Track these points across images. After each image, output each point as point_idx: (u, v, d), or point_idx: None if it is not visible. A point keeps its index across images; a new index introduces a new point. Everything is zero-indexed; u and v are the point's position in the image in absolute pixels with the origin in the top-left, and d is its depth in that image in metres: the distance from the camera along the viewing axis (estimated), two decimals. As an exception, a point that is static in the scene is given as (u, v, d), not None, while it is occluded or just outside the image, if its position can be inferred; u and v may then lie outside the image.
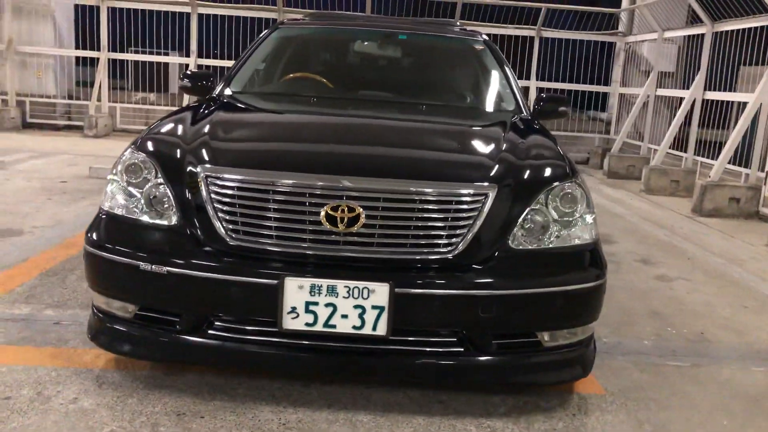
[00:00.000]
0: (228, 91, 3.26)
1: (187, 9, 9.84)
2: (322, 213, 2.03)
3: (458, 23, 4.27)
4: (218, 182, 2.10)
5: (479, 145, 2.63)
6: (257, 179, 2.08)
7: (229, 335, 2.09)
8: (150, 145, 2.31)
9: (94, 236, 2.18)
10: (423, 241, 2.06)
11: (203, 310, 2.09)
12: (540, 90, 9.79)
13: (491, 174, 2.21)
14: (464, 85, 3.66)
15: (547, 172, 2.33)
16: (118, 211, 2.21)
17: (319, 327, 2.00)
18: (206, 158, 2.18)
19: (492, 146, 2.48)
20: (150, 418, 2.07)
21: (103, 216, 2.23)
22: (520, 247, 2.15)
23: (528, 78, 9.88)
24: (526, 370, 2.20)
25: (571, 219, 2.26)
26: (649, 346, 2.94)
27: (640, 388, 2.51)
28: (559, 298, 2.13)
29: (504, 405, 2.29)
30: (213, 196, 2.09)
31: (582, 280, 2.19)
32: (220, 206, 2.08)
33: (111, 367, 2.37)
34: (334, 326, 2.01)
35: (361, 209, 2.03)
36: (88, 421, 2.03)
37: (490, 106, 3.45)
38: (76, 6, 10.22)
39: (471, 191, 2.12)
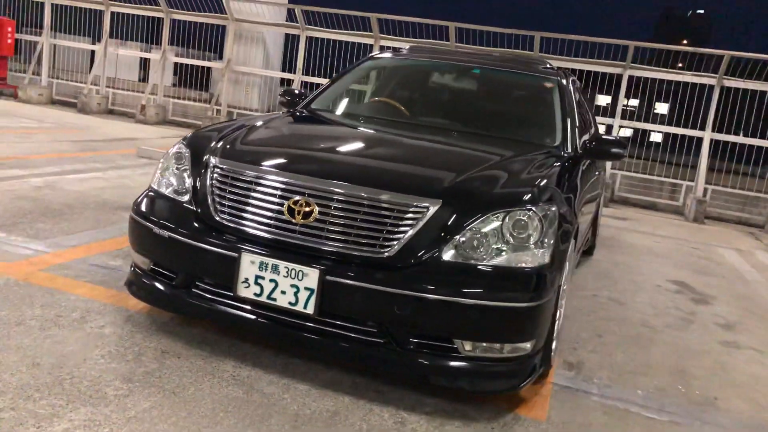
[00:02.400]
0: (308, 107, 3.81)
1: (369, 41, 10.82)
2: (285, 205, 2.44)
3: (546, 61, 4.38)
4: (217, 170, 2.62)
5: (454, 166, 2.83)
6: (241, 170, 2.56)
7: (205, 295, 2.58)
8: (192, 140, 2.90)
9: (135, 206, 2.81)
10: (362, 240, 2.36)
11: (189, 271, 2.61)
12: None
13: (438, 190, 2.44)
14: (515, 118, 3.82)
15: (502, 198, 2.49)
16: (157, 187, 2.82)
17: (263, 298, 2.41)
18: (217, 151, 2.71)
19: (467, 169, 2.69)
20: (141, 349, 2.62)
21: (148, 191, 2.87)
22: (450, 259, 2.34)
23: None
24: (442, 373, 2.37)
25: (516, 243, 2.40)
26: (638, 396, 2.85)
27: (587, 427, 2.50)
28: (476, 311, 2.28)
29: (432, 405, 2.47)
30: (212, 181, 2.61)
31: (509, 300, 2.31)
32: (215, 190, 2.60)
33: (144, 312, 2.98)
34: (275, 299, 2.39)
35: (316, 206, 2.41)
36: (98, 341, 2.63)
37: (529, 138, 3.57)
38: (286, 35, 11.76)
39: (413, 203, 2.37)
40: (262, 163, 2.60)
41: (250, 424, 2.18)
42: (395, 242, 2.34)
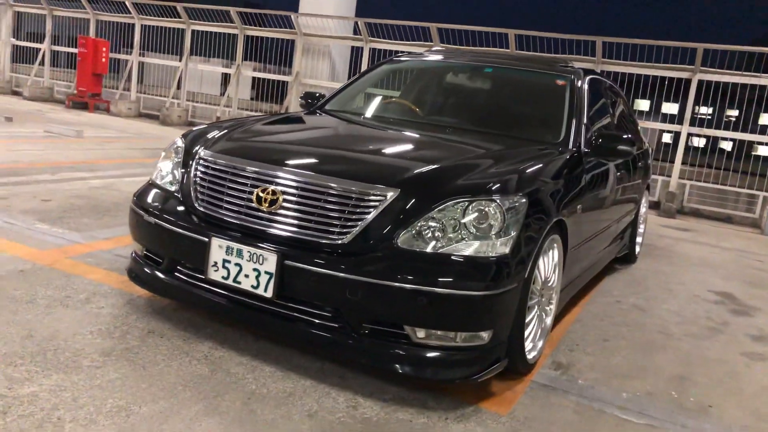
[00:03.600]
0: (322, 108, 3.95)
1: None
2: (255, 193, 2.56)
3: (568, 62, 4.30)
4: (201, 161, 2.78)
5: (426, 158, 2.86)
6: (219, 161, 2.70)
7: (184, 278, 2.73)
8: (189, 135, 3.08)
9: (135, 196, 3.01)
10: (321, 227, 2.44)
11: (171, 256, 2.77)
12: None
13: (397, 179, 2.48)
14: (519, 115, 3.78)
15: (464, 187, 2.49)
16: (154, 178, 3.02)
17: (230, 281, 2.53)
18: (204, 144, 2.87)
19: (438, 160, 2.71)
20: (129, 328, 2.80)
21: (148, 182, 3.07)
22: (404, 246, 2.37)
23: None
24: (394, 359, 2.38)
25: (476, 232, 2.40)
26: (621, 398, 2.74)
27: (549, 424, 2.44)
28: (426, 298, 2.29)
29: (392, 393, 2.50)
30: (195, 171, 2.78)
31: (462, 288, 2.31)
32: (197, 179, 2.75)
33: (145, 297, 3.17)
34: (239, 282, 2.51)
35: (281, 194, 2.51)
36: (93, 320, 2.84)
37: (531, 134, 3.52)
38: (352, 48, 12.06)
39: (369, 191, 2.43)
40: (238, 155, 2.73)
41: (204, 398, 2.29)
42: (351, 229, 2.40)
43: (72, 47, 14.49)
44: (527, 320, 2.71)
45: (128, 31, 14.26)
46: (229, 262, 2.52)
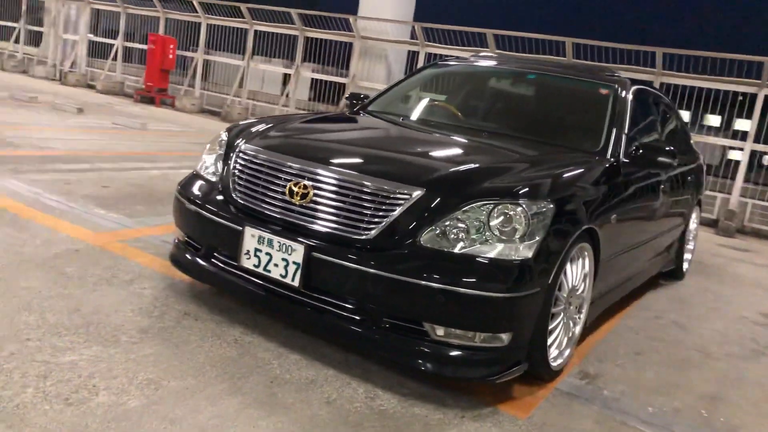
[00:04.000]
0: (365, 108, 4.04)
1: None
2: (288, 186, 2.66)
3: (615, 72, 4.24)
4: (240, 154, 2.90)
5: (456, 160, 2.92)
6: (257, 154, 2.81)
7: (220, 264, 2.85)
8: (233, 129, 3.21)
9: (179, 185, 3.16)
10: (349, 222, 2.51)
11: (209, 242, 2.89)
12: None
13: (423, 179, 2.52)
14: (559, 122, 3.77)
15: (490, 190, 2.51)
16: (198, 169, 3.16)
17: (261, 269, 2.63)
18: (245, 138, 2.99)
19: (467, 163, 2.75)
20: (167, 309, 2.94)
21: (192, 172, 3.21)
22: (427, 244, 2.41)
23: None
24: (412, 355, 2.42)
25: (500, 235, 2.42)
26: (646, 413, 2.70)
27: (566, 431, 2.43)
28: (445, 296, 2.32)
29: (412, 389, 2.54)
30: (235, 163, 2.89)
31: (482, 288, 2.33)
32: (236, 171, 2.87)
33: (186, 281, 3.31)
34: (269, 271, 2.60)
35: (312, 188, 2.59)
36: (135, 299, 2.99)
37: (569, 142, 3.50)
38: (408, 52, 12.15)
39: (396, 189, 2.48)
40: (275, 149, 2.83)
41: (229, 379, 2.39)
42: (377, 225, 2.46)
43: (143, 44, 15.09)
44: (552, 327, 2.71)
45: (195, 29, 14.76)
46: (260, 251, 2.62)
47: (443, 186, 2.53)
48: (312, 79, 14.11)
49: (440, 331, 2.40)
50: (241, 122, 3.32)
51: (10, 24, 18.46)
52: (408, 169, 2.71)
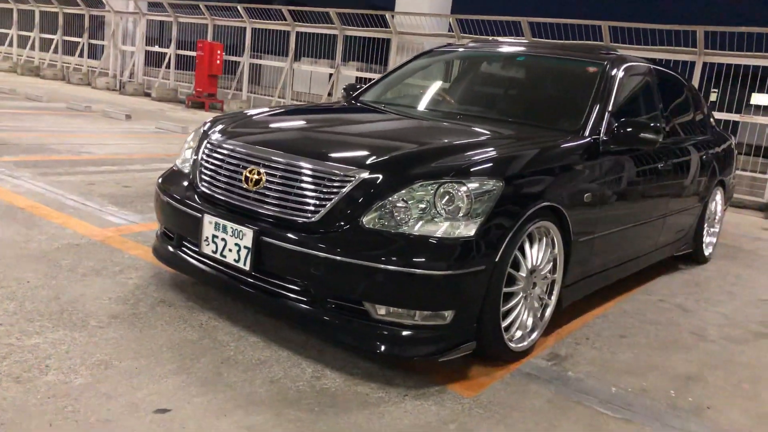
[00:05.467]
0: (357, 98, 4.09)
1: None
2: (243, 174, 2.74)
3: (613, 50, 4.10)
4: (208, 145, 3.00)
5: (407, 142, 2.93)
6: (220, 145, 2.91)
7: (188, 252, 2.96)
8: (212, 120, 3.31)
9: (159, 178, 3.30)
10: (295, 205, 2.57)
11: (178, 231, 3.01)
12: None
13: (367, 161, 2.54)
14: (541, 102, 3.70)
15: (434, 170, 2.51)
16: (176, 161, 3.29)
17: (218, 255, 2.72)
18: (215, 130, 3.09)
19: (420, 146, 2.75)
20: (145, 297, 3.07)
21: (171, 166, 3.35)
22: (368, 225, 2.44)
23: None
24: (354, 334, 2.46)
25: (444, 213, 2.42)
26: (608, 393, 2.63)
27: (512, 410, 2.41)
28: (381, 275, 2.34)
29: (362, 369, 2.57)
30: (202, 154, 3.00)
31: (420, 266, 2.34)
32: (203, 161, 2.98)
33: (171, 271, 3.45)
34: (225, 256, 2.69)
35: (265, 174, 2.67)
36: (116, 288, 3.14)
37: (547, 122, 3.44)
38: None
39: (339, 172, 2.52)
40: (235, 138, 2.92)
41: (180, 359, 2.50)
42: (321, 208, 2.50)
43: (195, 51, 15.62)
44: (509, 307, 2.68)
45: (241, 34, 15.17)
46: (217, 237, 2.71)
47: (387, 167, 2.55)
48: (356, 77, 14.24)
49: (381, 311, 2.42)
50: (218, 115, 3.43)
51: (75, 39, 19.51)
52: (355, 152, 2.74)
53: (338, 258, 2.41)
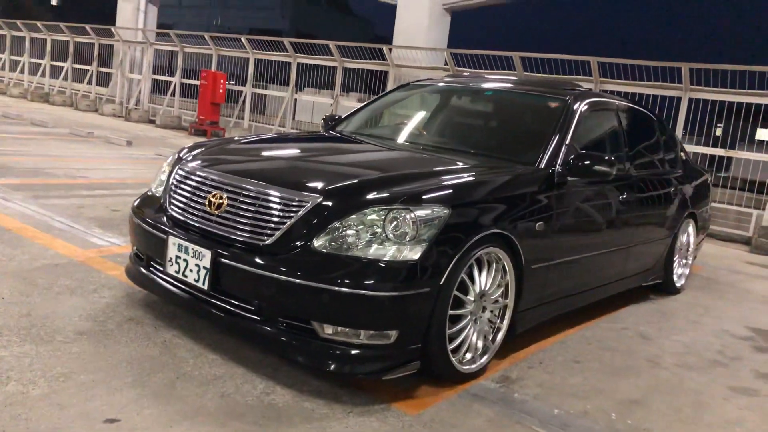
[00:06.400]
0: (333, 129, 4.28)
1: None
2: (207, 198, 2.89)
3: (578, 85, 4.27)
4: (179, 170, 3.16)
5: (363, 171, 3.11)
6: (192, 171, 3.07)
7: (155, 273, 3.10)
8: (185, 150, 3.49)
9: (133, 202, 3.45)
10: (253, 229, 2.71)
11: (146, 252, 3.16)
12: None
13: (320, 187, 2.70)
14: (505, 136, 3.85)
15: (383, 197, 2.66)
16: (151, 186, 3.45)
17: (180, 275, 2.86)
18: (187, 158, 3.25)
19: (374, 174, 2.92)
20: (114, 315, 3.20)
21: (147, 191, 3.51)
22: (320, 248, 2.58)
23: None
24: (302, 353, 2.58)
25: (391, 238, 2.56)
26: (548, 414, 2.72)
27: (451, 427, 2.51)
28: (327, 295, 2.47)
29: (312, 386, 2.69)
30: (173, 179, 3.16)
31: (364, 288, 2.47)
32: (172, 186, 3.13)
33: (144, 292, 3.58)
34: (186, 276, 2.83)
35: (227, 199, 2.82)
36: (88, 306, 3.27)
37: (507, 154, 3.59)
38: (443, 76, 12.33)
39: (293, 197, 2.67)
40: (202, 164, 3.09)
41: (138, 374, 2.62)
42: (276, 231, 2.65)
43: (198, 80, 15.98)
44: (456, 329, 2.80)
45: (245, 64, 15.52)
46: (180, 257, 2.86)
47: (340, 193, 2.70)
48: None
49: (328, 330, 2.55)
50: (197, 142, 3.60)
51: (84, 67, 19.97)
52: (312, 178, 2.89)
53: (287, 279, 2.54)
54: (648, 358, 3.60)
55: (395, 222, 2.59)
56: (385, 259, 2.53)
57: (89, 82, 19.61)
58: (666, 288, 5.07)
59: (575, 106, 3.80)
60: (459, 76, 4.82)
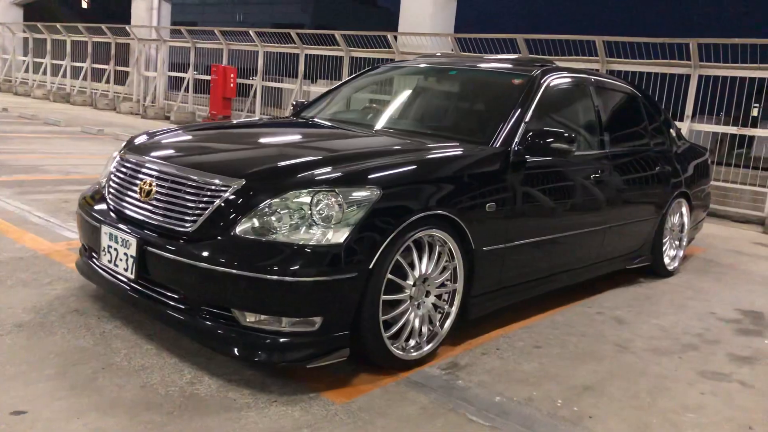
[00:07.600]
0: (299, 114, 4.20)
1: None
2: (138, 185, 2.83)
3: (550, 62, 4.09)
4: (118, 159, 3.11)
5: (290, 152, 3.05)
6: (123, 158, 3.01)
7: (95, 263, 3.06)
8: (129, 141, 3.42)
9: (81, 195, 3.41)
10: (177, 215, 2.64)
11: (87, 242, 3.11)
12: None
13: (243, 171, 2.61)
14: (460, 115, 3.70)
15: (307, 179, 2.56)
16: (100, 177, 3.41)
17: (112, 264, 2.80)
18: (129, 146, 3.20)
19: (301, 156, 2.82)
20: (60, 306, 3.16)
21: (95, 182, 3.47)
22: (241, 234, 2.49)
23: None
24: (224, 342, 2.49)
25: (317, 222, 2.47)
26: (489, 402, 2.60)
27: (380, 416, 2.40)
28: (245, 282, 2.38)
29: (242, 376, 2.61)
30: (113, 168, 3.11)
31: (284, 273, 2.37)
32: (112, 175, 3.08)
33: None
34: (117, 265, 2.78)
35: (155, 185, 2.75)
36: (37, 298, 3.24)
37: (460, 134, 3.46)
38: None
39: (214, 181, 2.59)
40: (140, 152, 3.02)
41: (62, 365, 2.57)
42: (198, 217, 2.57)
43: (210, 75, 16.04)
44: (395, 314, 2.69)
45: (252, 57, 15.53)
46: (111, 247, 2.80)
47: (262, 177, 2.60)
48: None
49: (250, 318, 2.46)
50: (136, 136, 3.54)
51: (102, 66, 20.23)
52: (234, 162, 2.80)
53: (207, 266, 2.46)
54: (617, 342, 3.44)
55: (320, 205, 2.49)
56: (310, 243, 2.43)
57: (107, 81, 19.86)
58: (656, 271, 4.87)
59: (539, 82, 3.64)
60: (429, 56, 4.67)
